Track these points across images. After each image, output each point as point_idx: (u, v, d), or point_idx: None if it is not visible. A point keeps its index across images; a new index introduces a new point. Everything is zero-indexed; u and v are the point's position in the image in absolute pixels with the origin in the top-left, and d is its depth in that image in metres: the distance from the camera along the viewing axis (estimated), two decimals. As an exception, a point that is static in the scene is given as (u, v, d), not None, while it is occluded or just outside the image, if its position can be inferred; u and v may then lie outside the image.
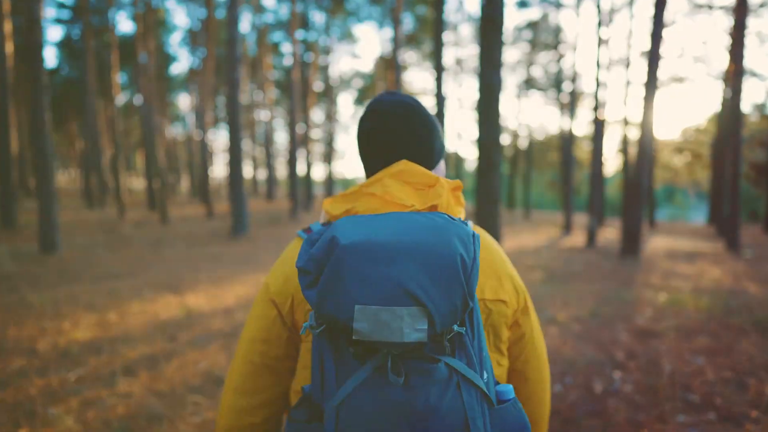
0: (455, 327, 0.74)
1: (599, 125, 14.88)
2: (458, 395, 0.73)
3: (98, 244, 11.61)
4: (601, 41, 12.69)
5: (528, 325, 1.05)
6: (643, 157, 9.32)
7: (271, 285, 0.98)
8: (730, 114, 11.87)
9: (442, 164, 1.14)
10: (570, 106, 24.12)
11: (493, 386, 0.81)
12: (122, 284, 7.18)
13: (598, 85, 13.25)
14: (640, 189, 9.36)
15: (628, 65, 16.75)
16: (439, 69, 9.50)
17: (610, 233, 16.58)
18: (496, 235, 6.02)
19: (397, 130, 1.00)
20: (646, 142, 9.30)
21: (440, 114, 9.34)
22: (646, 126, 9.23)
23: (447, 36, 27.88)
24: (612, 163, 36.16)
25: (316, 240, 0.79)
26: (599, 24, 12.91)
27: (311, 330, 0.75)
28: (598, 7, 13.48)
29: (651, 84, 9.07)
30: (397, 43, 17.38)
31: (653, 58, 8.94)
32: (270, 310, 0.97)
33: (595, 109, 12.93)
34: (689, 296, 6.18)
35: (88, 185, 25.78)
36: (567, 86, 23.65)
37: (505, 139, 30.95)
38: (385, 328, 0.68)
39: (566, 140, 21.53)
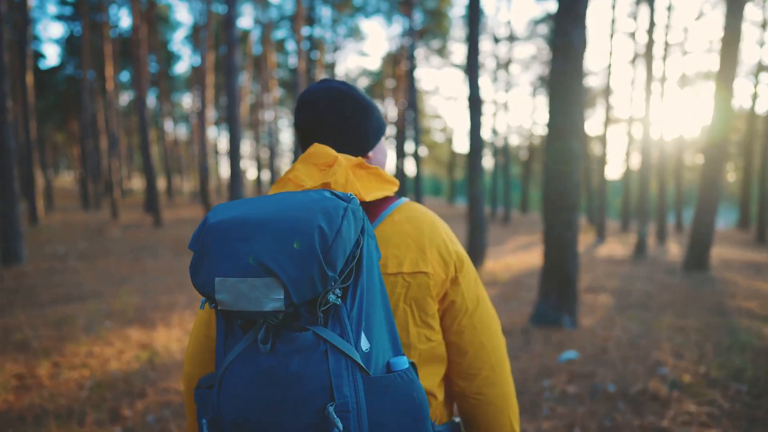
0: (331, 298, 0.75)
1: (645, 123, 13.21)
2: (324, 362, 0.73)
3: (74, 253, 9.94)
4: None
5: (458, 293, 1.02)
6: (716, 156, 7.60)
7: None
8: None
9: (382, 144, 1.10)
10: (591, 104, 22.47)
11: (387, 358, 0.83)
12: (80, 310, 5.50)
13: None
14: (714, 190, 7.61)
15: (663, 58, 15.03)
16: (473, 65, 7.67)
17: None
18: (570, 242, 4.31)
19: (325, 117, 1.01)
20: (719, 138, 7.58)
21: (476, 118, 7.55)
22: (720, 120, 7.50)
23: (463, 32, 26.16)
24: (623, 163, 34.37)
25: None
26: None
27: (209, 305, 0.78)
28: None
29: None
30: (411, 33, 15.65)
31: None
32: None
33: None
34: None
35: (85, 186, 24.24)
36: (590, 82, 21.98)
37: (514, 140, 29.20)
38: (244, 299, 0.71)
39: (588, 138, 19.82)
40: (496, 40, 22.50)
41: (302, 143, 1.05)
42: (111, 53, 18.20)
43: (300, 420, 0.73)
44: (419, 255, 0.95)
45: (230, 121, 10.42)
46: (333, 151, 0.96)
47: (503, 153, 24.03)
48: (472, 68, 7.43)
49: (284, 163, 47.95)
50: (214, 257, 0.74)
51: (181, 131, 43.52)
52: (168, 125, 39.41)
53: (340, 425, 0.72)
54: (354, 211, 0.79)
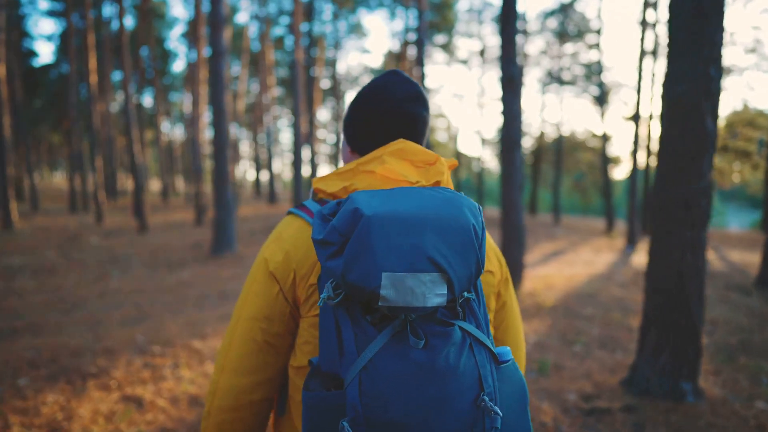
0: (465, 293, 0.76)
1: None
2: (471, 355, 0.74)
3: (32, 267, 8.35)
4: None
5: (509, 295, 1.07)
6: None
7: (270, 261, 0.91)
8: None
9: None
10: (603, 101, 20.88)
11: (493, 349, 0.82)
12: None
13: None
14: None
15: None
16: (508, 35, 6.03)
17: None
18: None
19: (411, 113, 0.97)
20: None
21: (513, 104, 5.95)
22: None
23: (471, 27, 24.60)
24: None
25: (330, 214, 0.79)
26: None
27: (328, 301, 0.74)
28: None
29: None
30: (421, 25, 14.09)
31: None
32: (272, 287, 0.90)
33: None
34: None
35: (73, 187, 22.66)
36: (604, 79, 20.44)
37: (526, 140, 27.59)
38: (409, 294, 0.69)
39: (604, 137, 18.30)
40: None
41: (372, 130, 0.98)
42: (93, 44, 16.58)
43: (457, 413, 0.71)
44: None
45: (216, 112, 8.83)
46: (427, 150, 0.93)
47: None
48: (507, 38, 5.85)
49: (285, 165, 46.43)
50: (378, 251, 0.69)
51: (180, 132, 41.91)
52: (165, 126, 37.94)
53: (500, 412, 0.73)
54: (481, 210, 0.79)
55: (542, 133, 24.65)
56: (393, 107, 0.96)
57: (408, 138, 0.97)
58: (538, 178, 25.83)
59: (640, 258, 10.65)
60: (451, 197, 0.77)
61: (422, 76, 14.19)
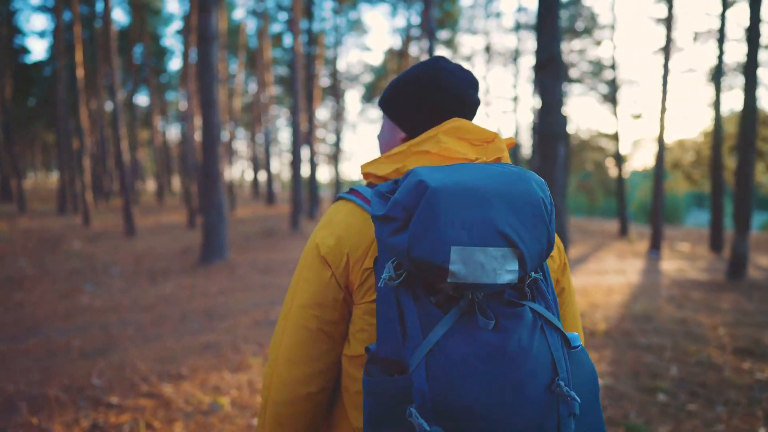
0: (533, 273, 0.73)
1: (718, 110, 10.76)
2: (543, 338, 0.69)
3: (-4, 277, 7.31)
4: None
5: (567, 281, 0.99)
6: None
7: (322, 245, 0.85)
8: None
9: None
10: (614, 98, 19.90)
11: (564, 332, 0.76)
12: None
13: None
14: None
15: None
16: (549, 5, 5.02)
17: (693, 249, 12.28)
18: None
19: (471, 100, 0.94)
20: None
21: (554, 90, 4.93)
22: None
23: (475, 24, 23.58)
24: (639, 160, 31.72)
25: (389, 192, 0.76)
26: None
27: (389, 282, 0.69)
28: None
29: None
30: (429, 12, 13.08)
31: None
32: (324, 271, 0.84)
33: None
34: None
35: (62, 187, 21.58)
36: (610, 75, 19.46)
37: (527, 139, 26.60)
38: (479, 269, 0.64)
39: (616, 136, 17.32)
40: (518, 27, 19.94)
41: (425, 121, 0.92)
42: (80, 36, 15.52)
43: (532, 398, 0.66)
44: None
45: (205, 103, 7.80)
46: (486, 128, 0.88)
47: (512, 153, 21.46)
48: (546, 7, 4.83)
49: (285, 165, 45.29)
50: (446, 224, 0.64)
51: (177, 131, 40.73)
52: (163, 125, 36.79)
53: (578, 398, 0.68)
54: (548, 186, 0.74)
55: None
56: (452, 94, 0.92)
57: (464, 116, 0.93)
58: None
59: (669, 265, 9.66)
60: (518, 171, 0.72)
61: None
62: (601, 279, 7.68)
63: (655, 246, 11.17)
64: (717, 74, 11.86)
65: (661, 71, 11.55)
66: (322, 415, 0.90)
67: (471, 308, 0.68)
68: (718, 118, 11.93)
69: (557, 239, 0.92)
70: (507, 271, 0.65)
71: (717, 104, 11.94)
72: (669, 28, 11.22)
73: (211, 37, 7.77)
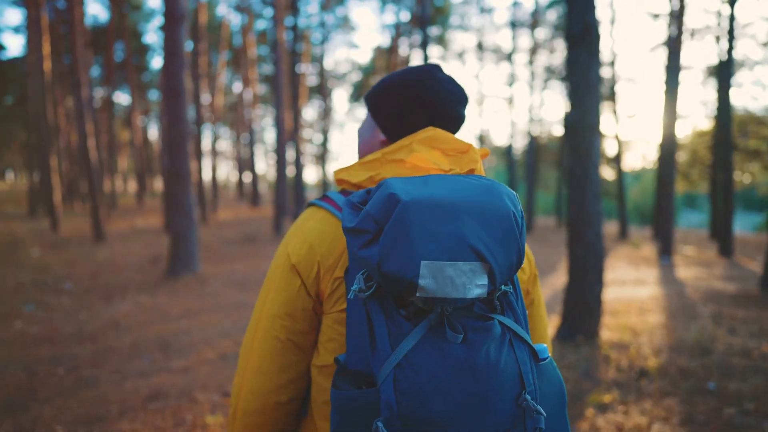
0: (502, 286, 0.71)
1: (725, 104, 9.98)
2: (511, 351, 0.69)
3: None
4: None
5: (537, 293, 0.99)
6: None
7: (293, 254, 0.84)
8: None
9: None
10: (613, 96, 19.12)
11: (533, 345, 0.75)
12: None
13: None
14: None
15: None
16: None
17: (701, 254, 11.48)
18: None
19: (456, 115, 0.92)
20: None
21: (591, 66, 3.97)
22: None
23: (467, 21, 22.69)
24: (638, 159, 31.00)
25: (360, 202, 0.74)
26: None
27: (359, 294, 0.68)
28: None
29: None
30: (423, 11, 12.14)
31: None
32: (294, 281, 0.82)
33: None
34: None
35: (32, 188, 20.27)
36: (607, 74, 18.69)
37: (519, 138, 25.76)
38: (449, 284, 0.63)
39: (617, 136, 16.54)
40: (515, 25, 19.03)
41: (406, 127, 0.90)
42: (47, 25, 14.31)
43: (498, 411, 0.66)
44: None
45: (170, 92, 6.74)
46: (458, 138, 0.86)
47: (507, 153, 20.55)
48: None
49: (271, 166, 43.95)
50: (416, 238, 0.64)
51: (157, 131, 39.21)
52: (144, 125, 35.38)
53: (543, 411, 0.68)
54: (519, 199, 0.73)
55: (541, 131, 22.81)
56: (439, 107, 0.91)
57: (444, 126, 0.91)
58: (537, 179, 24.02)
59: (685, 273, 8.81)
60: (489, 184, 0.72)
61: (425, 60, 12.23)
62: (621, 292, 6.76)
63: (666, 251, 10.31)
64: (726, 71, 11.07)
65: (669, 67, 10.72)
66: (291, 425, 0.88)
67: (440, 322, 0.67)
68: (724, 117, 11.15)
69: (528, 250, 0.90)
70: (476, 285, 0.64)
71: (725, 101, 11.17)
72: (680, 21, 10.37)
73: (179, 16, 6.71)
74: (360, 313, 0.71)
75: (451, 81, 0.92)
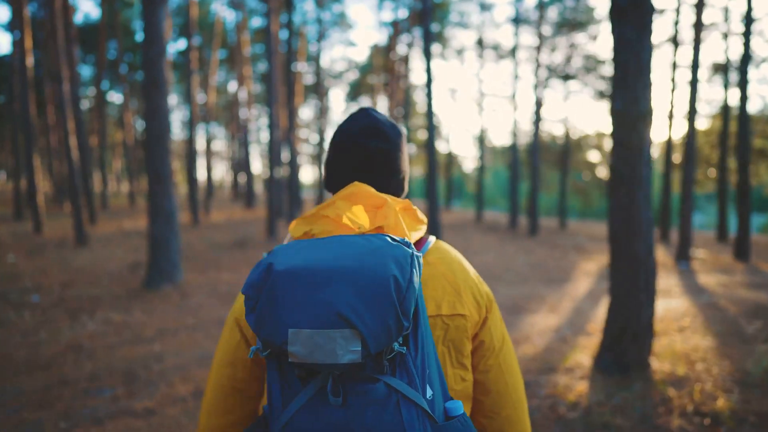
0: (395, 346, 0.69)
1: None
2: (397, 414, 0.68)
3: None
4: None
5: (487, 333, 0.94)
6: None
7: (237, 309, 0.89)
8: None
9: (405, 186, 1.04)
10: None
11: (442, 403, 0.77)
12: None
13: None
14: None
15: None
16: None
17: (716, 258, 10.81)
18: None
19: (366, 148, 0.94)
20: None
21: (643, 42, 3.29)
22: None
23: (466, 18, 22.00)
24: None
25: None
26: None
27: (260, 353, 0.70)
28: None
29: None
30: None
31: None
32: (235, 334, 0.88)
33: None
34: None
35: (17, 189, 19.41)
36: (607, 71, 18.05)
37: (520, 138, 25.07)
38: (319, 351, 0.64)
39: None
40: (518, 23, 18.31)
41: (336, 178, 0.96)
42: (28, 20, 13.53)
43: None
44: (456, 297, 0.89)
45: (148, 82, 6.00)
46: (377, 193, 0.89)
47: (512, 152, 19.87)
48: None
49: (265, 165, 43.10)
50: (285, 306, 0.66)
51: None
52: (137, 124, 34.47)
53: None
54: (418, 259, 0.74)
55: (540, 131, 22.10)
56: (348, 142, 0.94)
57: (367, 172, 0.94)
58: (540, 180, 23.35)
59: (707, 279, 8.13)
60: (377, 247, 0.71)
61: (428, 56, 11.53)
62: (672, 311, 6.06)
63: (683, 256, 9.64)
64: (742, 67, 10.41)
65: (687, 62, 10.04)
66: None
67: (326, 384, 0.67)
68: (742, 116, 10.50)
69: (479, 292, 0.92)
70: (349, 351, 0.64)
71: (743, 98, 10.52)
72: (699, 13, 9.70)
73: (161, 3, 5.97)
74: (268, 371, 0.72)
75: (365, 117, 0.95)
